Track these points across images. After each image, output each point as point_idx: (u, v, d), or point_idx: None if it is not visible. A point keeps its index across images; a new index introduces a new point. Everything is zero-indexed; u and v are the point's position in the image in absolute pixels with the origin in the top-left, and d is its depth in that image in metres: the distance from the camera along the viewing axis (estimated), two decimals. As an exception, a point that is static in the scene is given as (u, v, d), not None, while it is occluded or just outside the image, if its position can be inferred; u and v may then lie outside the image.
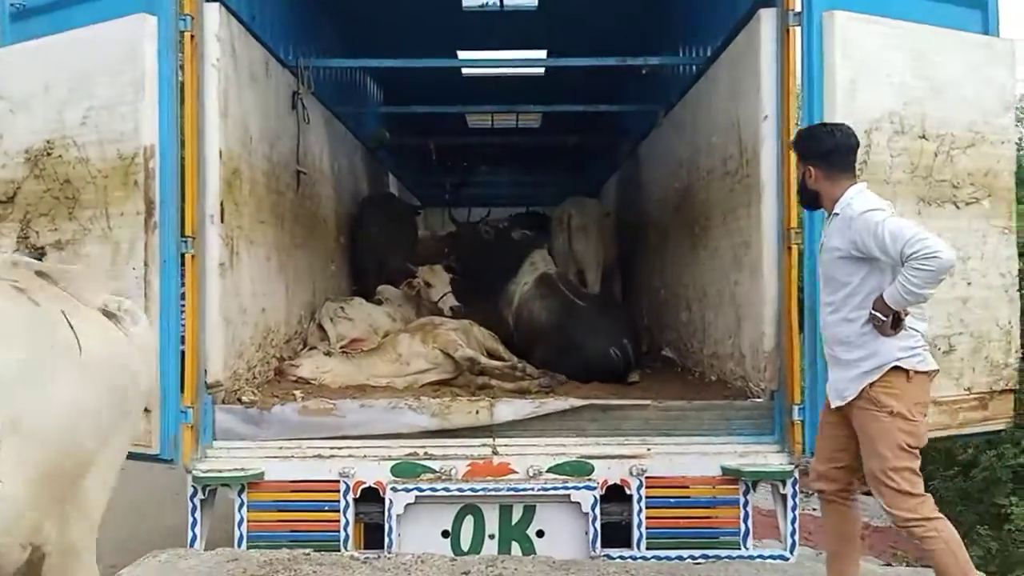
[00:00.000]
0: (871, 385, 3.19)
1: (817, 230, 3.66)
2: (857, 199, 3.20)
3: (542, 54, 8.37)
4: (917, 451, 3.20)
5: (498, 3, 6.68)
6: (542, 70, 8.68)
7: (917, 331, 3.23)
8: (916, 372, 3.15)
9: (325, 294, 5.91)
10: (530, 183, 11.65)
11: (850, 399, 3.25)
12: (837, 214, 3.25)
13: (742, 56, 4.22)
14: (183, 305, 3.75)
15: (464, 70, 8.75)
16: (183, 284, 3.72)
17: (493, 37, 7.04)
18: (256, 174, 4.41)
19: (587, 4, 6.37)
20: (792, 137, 3.58)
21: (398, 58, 6.21)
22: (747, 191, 4.19)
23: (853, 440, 3.14)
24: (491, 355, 5.39)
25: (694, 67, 5.70)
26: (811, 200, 3.34)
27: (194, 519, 3.77)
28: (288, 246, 5.02)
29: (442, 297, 5.92)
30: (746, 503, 3.78)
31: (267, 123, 4.62)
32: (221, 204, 3.88)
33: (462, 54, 8.16)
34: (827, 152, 3.25)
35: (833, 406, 3.28)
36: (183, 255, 3.70)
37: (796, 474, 3.77)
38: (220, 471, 3.78)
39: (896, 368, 3.13)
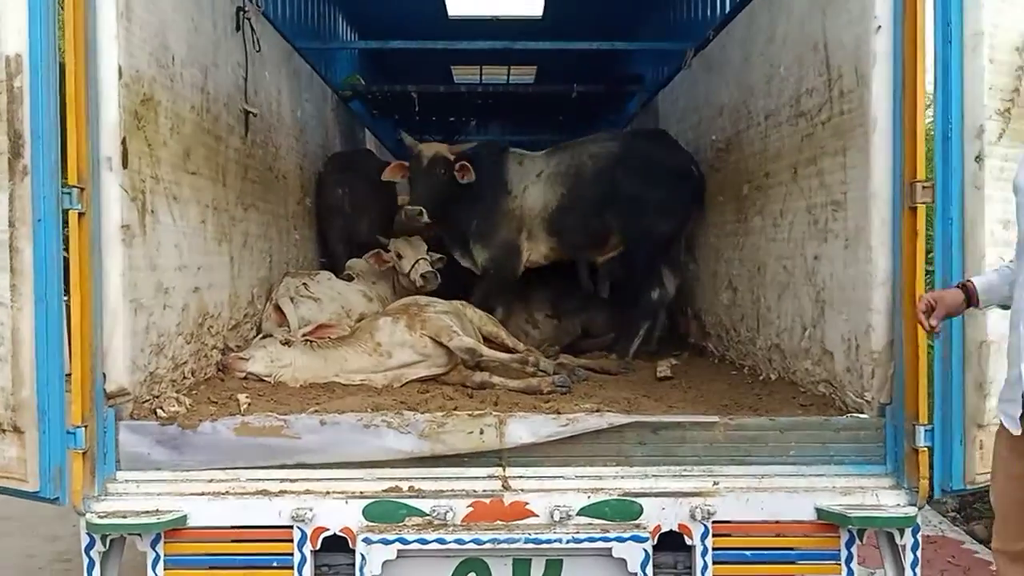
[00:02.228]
0: None
1: (955, 183, 2.66)
2: None
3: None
4: None
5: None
6: (539, 12, 7.61)
7: None
8: None
9: (286, 268, 4.83)
10: (526, 144, 10.56)
11: None
12: None
13: (837, -50, 3.15)
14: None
15: (451, 12, 7.66)
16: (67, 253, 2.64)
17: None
18: (182, 108, 3.30)
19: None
20: None
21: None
22: (839, 134, 3.15)
23: None
24: (489, 340, 4.37)
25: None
26: None
27: (91, 580, 2.73)
28: (233, 207, 3.92)
29: (413, 266, 4.81)
30: (849, 558, 2.77)
31: (198, 43, 3.50)
32: (123, 143, 2.78)
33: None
34: None
35: (1016, 432, 2.28)
36: (66, 212, 2.62)
37: (919, 520, 2.76)
38: (126, 514, 2.72)
39: None
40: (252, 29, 4.14)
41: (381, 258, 4.88)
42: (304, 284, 4.54)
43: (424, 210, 4.68)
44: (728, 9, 5.04)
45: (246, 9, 4.06)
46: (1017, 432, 2.26)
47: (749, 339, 4.17)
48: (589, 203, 4.82)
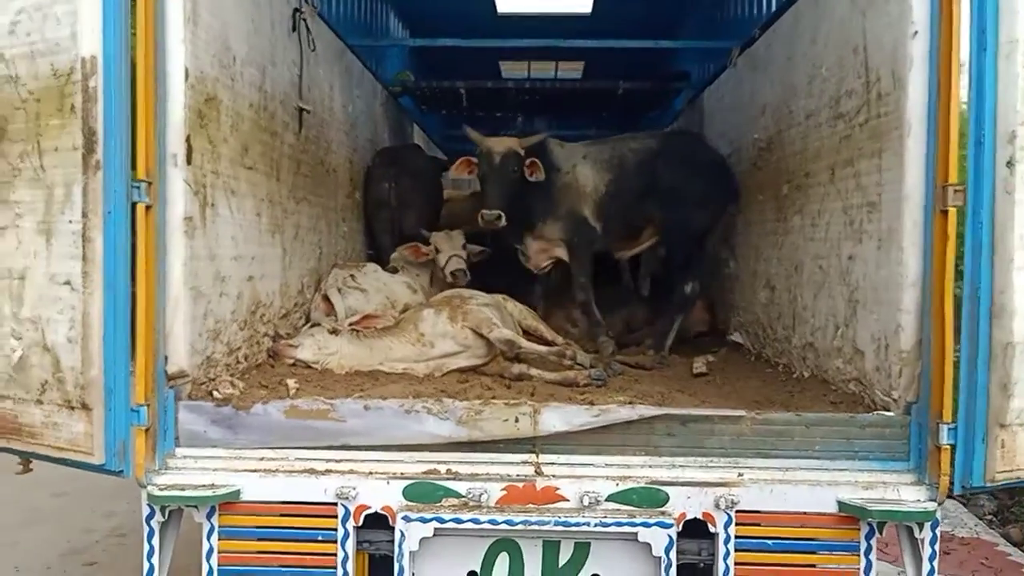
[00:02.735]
0: None
1: (987, 187, 2.71)
2: None
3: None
4: None
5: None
6: (589, 8, 7.69)
7: None
8: None
9: (335, 260, 5.01)
10: (572, 139, 10.65)
11: None
12: None
13: (877, -46, 3.20)
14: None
15: (500, 8, 7.78)
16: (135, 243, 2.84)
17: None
18: (241, 106, 3.49)
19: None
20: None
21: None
22: (876, 136, 3.20)
23: None
24: (529, 334, 4.50)
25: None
26: None
27: (151, 547, 2.94)
28: (286, 200, 4.10)
29: (448, 261, 4.92)
30: (868, 550, 2.85)
31: (257, 43, 3.68)
32: (188, 140, 2.97)
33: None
34: None
35: None
36: (135, 205, 2.81)
37: (938, 516, 2.82)
38: (184, 487, 2.92)
39: None
40: (308, 29, 4.32)
41: (419, 251, 5.02)
42: (352, 275, 4.71)
43: (503, 214, 4.49)
44: (774, 8, 5.07)
45: (302, 10, 4.23)
46: None
47: (785, 337, 4.23)
48: (632, 194, 4.87)
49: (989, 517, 6.52)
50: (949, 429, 2.76)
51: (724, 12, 6.32)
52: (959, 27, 2.77)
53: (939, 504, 2.83)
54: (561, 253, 4.88)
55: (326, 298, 4.50)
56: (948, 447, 2.77)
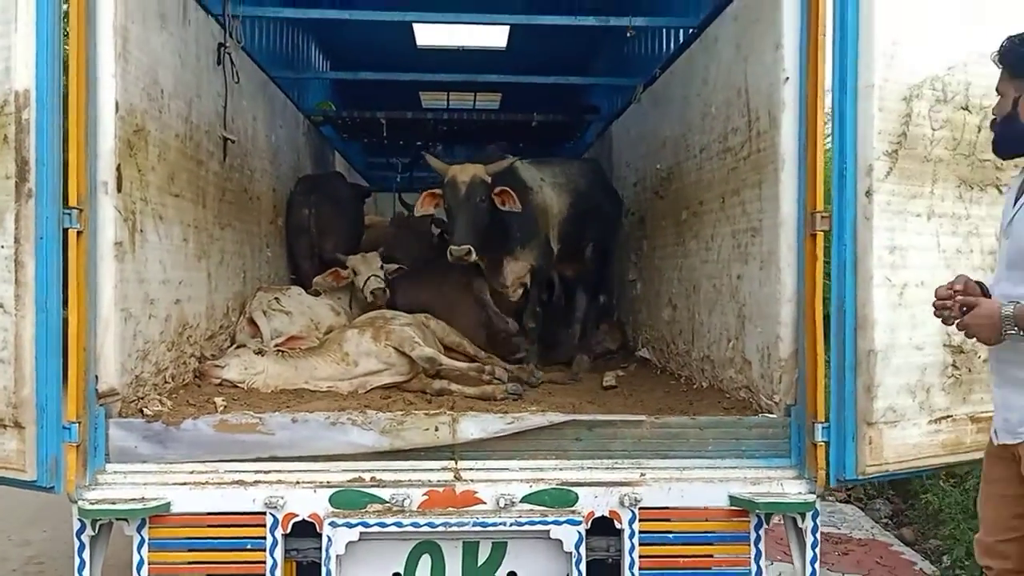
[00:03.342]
0: None
1: (849, 214, 3.09)
2: None
3: (505, 29, 7.77)
4: None
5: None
6: (504, 43, 8.05)
7: None
8: None
9: (259, 283, 5.14)
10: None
11: None
12: None
13: (755, 8, 3.58)
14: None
15: (419, 41, 8.07)
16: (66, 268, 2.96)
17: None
18: (168, 137, 3.63)
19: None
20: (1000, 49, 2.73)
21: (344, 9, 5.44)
22: (756, 169, 3.57)
23: None
24: (452, 350, 4.72)
25: (682, 31, 5.08)
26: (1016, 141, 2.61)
27: (81, 561, 3.02)
28: (211, 226, 4.24)
29: (366, 281, 5.10)
30: (758, 539, 3.17)
31: (184, 77, 3.84)
32: (118, 169, 3.10)
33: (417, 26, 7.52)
34: None
35: (997, 442, 2.62)
36: (66, 231, 2.93)
37: (818, 506, 3.16)
38: (114, 501, 3.02)
39: None
40: (232, 63, 4.48)
41: (339, 276, 5.20)
42: (276, 298, 4.84)
43: (472, 248, 4.18)
44: (672, 50, 5.48)
45: (227, 45, 4.40)
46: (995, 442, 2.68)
47: (685, 351, 4.57)
48: (579, 216, 5.08)
49: (885, 520, 6.99)
50: (823, 428, 3.11)
51: (630, 51, 6.74)
52: (824, 74, 3.16)
53: (818, 496, 3.16)
54: (528, 279, 4.79)
55: (251, 320, 4.61)
56: (823, 444, 3.12)
